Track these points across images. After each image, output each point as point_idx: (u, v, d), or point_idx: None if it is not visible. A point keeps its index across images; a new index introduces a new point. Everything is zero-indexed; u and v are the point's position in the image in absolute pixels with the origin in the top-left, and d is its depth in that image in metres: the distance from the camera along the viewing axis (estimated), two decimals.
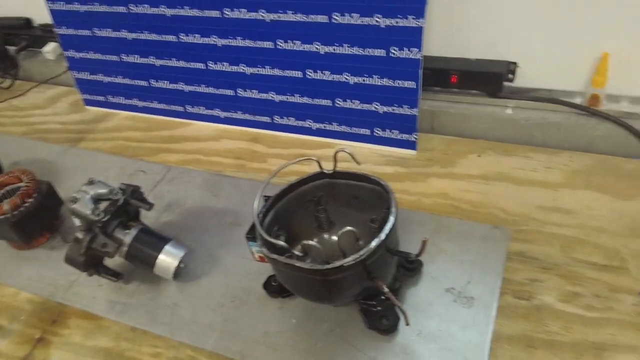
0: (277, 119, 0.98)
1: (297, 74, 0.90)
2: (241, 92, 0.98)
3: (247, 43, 0.90)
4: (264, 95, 0.96)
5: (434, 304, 0.65)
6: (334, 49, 0.84)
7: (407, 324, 0.55)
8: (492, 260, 0.68)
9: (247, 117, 1.01)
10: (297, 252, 0.58)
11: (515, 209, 0.76)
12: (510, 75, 0.86)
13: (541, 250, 0.70)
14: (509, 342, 0.60)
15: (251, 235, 0.69)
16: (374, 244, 0.55)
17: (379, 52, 0.81)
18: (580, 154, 0.82)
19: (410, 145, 0.88)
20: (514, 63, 0.85)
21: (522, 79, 0.86)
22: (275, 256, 0.57)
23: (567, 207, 0.74)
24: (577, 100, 0.85)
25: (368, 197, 0.66)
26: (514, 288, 0.66)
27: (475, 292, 0.65)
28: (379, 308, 0.62)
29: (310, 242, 0.57)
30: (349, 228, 0.58)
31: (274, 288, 0.69)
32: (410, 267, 0.67)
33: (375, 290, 0.59)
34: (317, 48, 0.85)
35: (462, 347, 0.60)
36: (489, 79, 0.87)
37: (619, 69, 0.78)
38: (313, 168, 0.65)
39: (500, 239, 0.71)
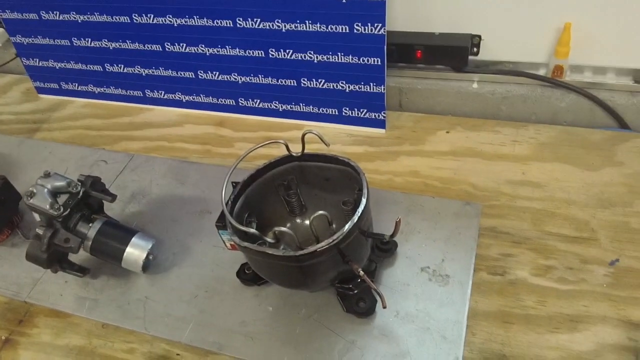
0: (242, 102, 0.95)
1: (260, 53, 0.87)
2: (202, 75, 0.94)
3: (205, 22, 0.86)
4: (226, 77, 0.92)
5: (410, 284, 0.64)
6: (296, 26, 0.81)
7: (384, 307, 0.55)
8: (465, 237, 0.68)
9: (211, 100, 0.97)
10: (269, 239, 0.57)
11: (486, 184, 0.76)
12: (474, 49, 0.85)
13: (512, 224, 0.70)
14: (485, 319, 0.60)
15: (221, 223, 0.67)
16: (347, 227, 0.54)
17: (342, 29, 0.79)
18: (547, 126, 0.83)
19: (380, 124, 0.87)
20: (478, 36, 0.84)
21: (486, 52, 0.85)
22: (247, 244, 0.55)
23: (536, 180, 0.75)
24: (541, 72, 0.85)
25: (339, 179, 0.65)
26: (488, 264, 0.66)
27: (450, 269, 0.65)
28: (355, 291, 0.62)
29: (282, 229, 0.56)
30: (320, 212, 0.57)
31: (248, 276, 0.67)
32: (384, 248, 0.66)
33: (351, 273, 0.57)
34: (278, 26, 0.82)
35: (440, 326, 0.59)
36: (454, 52, 0.85)
37: (581, 39, 0.78)
38: (281, 151, 0.63)
39: (471, 215, 0.71)
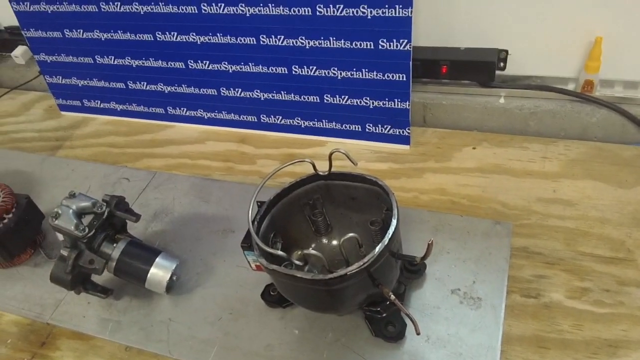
0: (264, 118, 0.94)
1: (283, 70, 0.86)
2: (225, 92, 0.94)
3: (228, 40, 0.86)
4: (248, 94, 0.92)
5: (440, 307, 0.62)
6: (320, 43, 0.80)
7: (418, 333, 0.53)
8: (496, 257, 0.66)
9: (233, 117, 0.96)
10: (296, 261, 0.55)
11: (516, 202, 0.73)
12: (501, 64, 0.83)
13: (545, 244, 0.68)
14: (519, 344, 0.58)
15: (247, 244, 0.66)
16: (377, 249, 0.52)
17: (367, 45, 0.78)
18: (577, 142, 0.80)
19: (404, 140, 0.85)
20: (505, 50, 0.82)
21: (514, 67, 0.84)
22: (274, 267, 0.54)
23: (567, 198, 0.73)
24: (571, 87, 0.83)
25: (365, 198, 0.64)
26: (521, 286, 0.63)
27: (482, 292, 0.63)
28: (384, 314, 0.60)
29: (311, 252, 0.54)
30: (351, 234, 0.55)
31: (273, 298, 0.66)
32: (413, 270, 0.64)
33: (380, 296, 0.56)
34: (301, 43, 0.81)
35: (473, 352, 0.57)
36: (480, 67, 0.84)
37: (612, 53, 0.76)
38: (305, 169, 0.61)
39: (502, 235, 0.69)
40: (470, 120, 0.87)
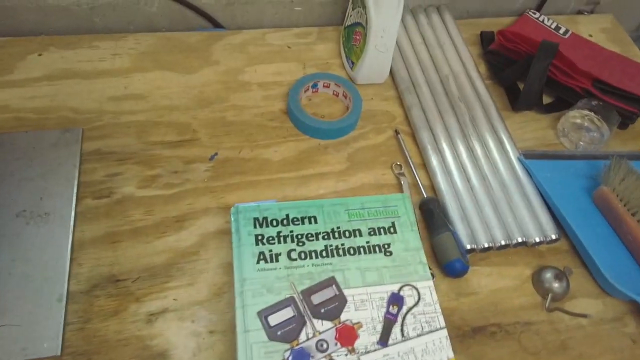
0: None
1: None
2: None
3: None
4: None
5: (5, 235, 0.56)
6: None
7: None
8: (66, 167, 0.63)
9: None
10: None
11: (87, 106, 0.70)
12: None
13: (118, 142, 0.67)
14: (92, 246, 0.58)
15: None
16: None
17: None
18: (146, 34, 0.80)
19: None
20: None
21: None
22: None
23: (139, 92, 0.73)
24: None
25: None
26: (93, 189, 0.62)
27: (50, 206, 0.59)
28: None
29: None
30: None
31: None
32: None
33: None
34: None
35: (41, 269, 0.54)
36: None
37: None
38: None
39: (71, 142, 0.65)
40: (30, 24, 0.77)
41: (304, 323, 0.50)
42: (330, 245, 0.56)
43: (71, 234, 0.57)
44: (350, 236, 0.56)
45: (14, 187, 0.60)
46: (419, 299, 0.53)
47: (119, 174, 0.64)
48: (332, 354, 0.49)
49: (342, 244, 0.56)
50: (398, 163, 0.69)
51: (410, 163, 0.69)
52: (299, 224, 0.57)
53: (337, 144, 0.71)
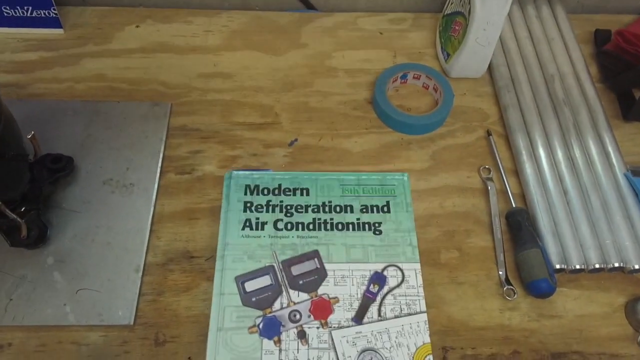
0: None
1: None
2: None
3: None
4: None
5: (91, 201, 0.60)
6: None
7: (23, 237, 0.50)
8: (152, 140, 0.65)
9: None
10: None
11: (177, 81, 0.72)
12: None
13: (202, 120, 0.69)
14: (171, 220, 0.60)
15: None
16: None
17: None
18: (239, 12, 0.81)
19: (53, 23, 0.75)
20: None
21: None
22: None
23: (227, 71, 0.74)
24: None
25: None
26: (176, 164, 0.64)
27: (135, 177, 0.62)
28: (19, 221, 0.55)
29: None
30: None
31: None
32: (55, 168, 0.60)
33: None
34: None
35: (122, 238, 0.57)
36: None
37: None
38: None
39: (160, 116, 0.68)
40: None
41: (280, 292, 0.51)
42: (319, 219, 0.56)
43: (152, 207, 0.60)
44: (341, 211, 0.57)
45: (104, 155, 0.64)
46: (403, 280, 0.52)
47: (202, 152, 0.66)
48: (304, 326, 0.49)
49: (331, 219, 0.56)
50: (487, 167, 0.66)
51: (501, 168, 0.65)
52: (290, 195, 0.58)
53: (422, 140, 0.69)
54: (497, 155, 0.66)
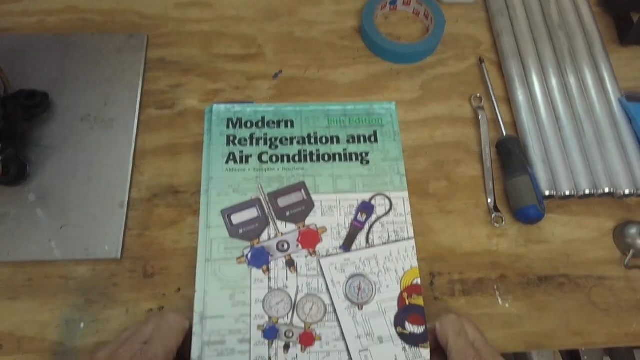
0: None
1: None
2: None
3: None
4: None
5: (69, 138, 0.61)
6: None
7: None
8: (130, 74, 0.65)
9: None
10: None
11: (153, 11, 0.72)
12: None
13: (181, 52, 0.69)
14: (154, 155, 0.61)
15: None
16: None
17: None
18: None
19: None
20: None
21: None
22: None
23: (205, 0, 0.73)
24: None
25: None
26: (156, 98, 0.65)
27: (113, 112, 0.63)
28: None
29: None
30: None
31: None
32: (31, 104, 0.60)
33: None
34: None
35: (104, 174, 0.59)
36: None
37: None
38: None
39: (137, 48, 0.67)
40: None
41: (267, 224, 0.53)
42: (305, 151, 0.57)
43: (134, 143, 0.61)
44: (327, 142, 0.58)
45: (80, 90, 0.64)
46: (391, 208, 0.54)
47: (182, 85, 0.66)
48: (292, 255, 0.52)
49: (317, 150, 0.57)
50: (478, 95, 0.67)
51: (492, 96, 0.66)
52: (274, 128, 0.59)
53: (412, 69, 0.69)
54: (489, 83, 0.67)
